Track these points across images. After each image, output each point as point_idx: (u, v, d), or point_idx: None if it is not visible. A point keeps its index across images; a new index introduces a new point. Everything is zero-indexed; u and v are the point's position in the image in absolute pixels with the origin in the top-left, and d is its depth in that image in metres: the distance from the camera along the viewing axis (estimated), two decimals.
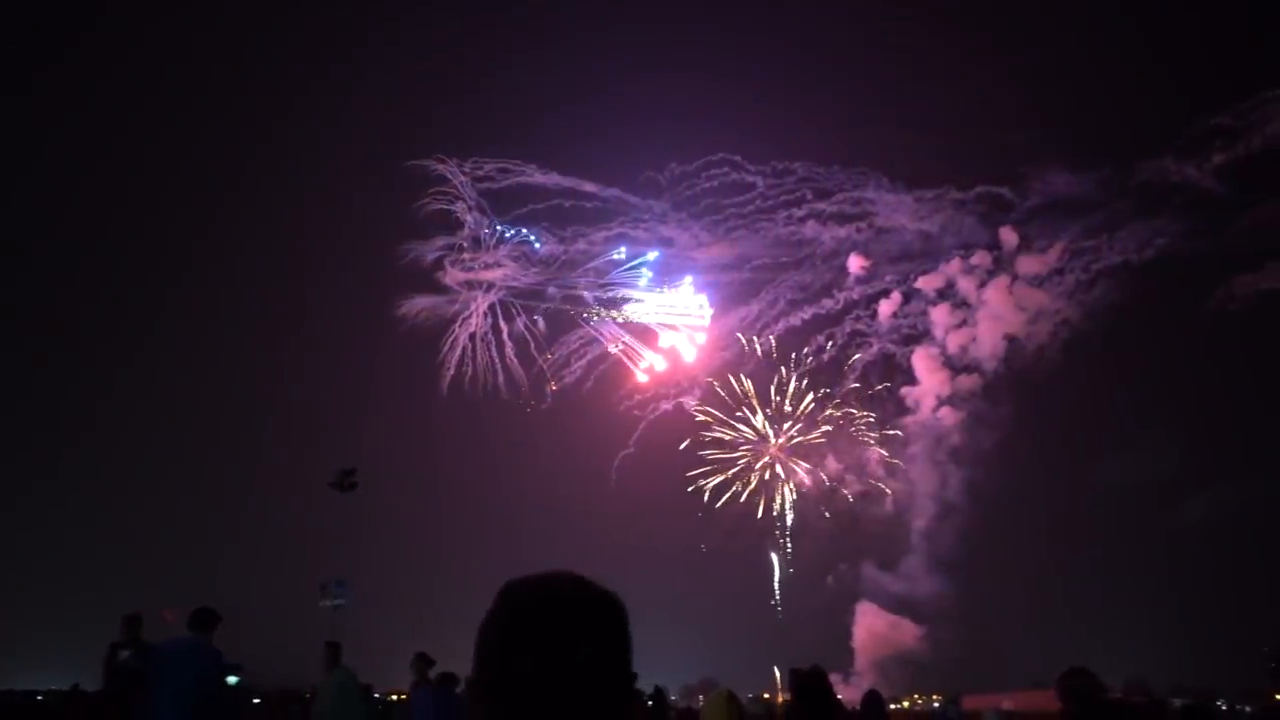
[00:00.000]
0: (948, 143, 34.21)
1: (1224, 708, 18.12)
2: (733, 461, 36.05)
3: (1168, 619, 30.11)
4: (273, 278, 42.60)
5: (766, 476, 35.95)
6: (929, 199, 33.81)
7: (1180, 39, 30.57)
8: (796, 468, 35.79)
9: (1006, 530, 34.90)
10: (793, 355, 35.36)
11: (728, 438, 36.01)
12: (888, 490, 35.11)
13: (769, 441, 36.09)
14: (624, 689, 1.40)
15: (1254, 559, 29.81)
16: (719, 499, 36.25)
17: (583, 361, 35.98)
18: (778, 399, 35.78)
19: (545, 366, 35.71)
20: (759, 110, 39.22)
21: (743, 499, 35.89)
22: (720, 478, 36.25)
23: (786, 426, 35.84)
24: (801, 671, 6.84)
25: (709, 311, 35.73)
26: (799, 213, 34.58)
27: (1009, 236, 33.57)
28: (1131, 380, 33.51)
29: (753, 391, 35.81)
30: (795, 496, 35.78)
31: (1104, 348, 33.17)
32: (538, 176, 35.17)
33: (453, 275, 35.67)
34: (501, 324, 35.84)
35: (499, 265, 35.94)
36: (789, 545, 36.19)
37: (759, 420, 35.90)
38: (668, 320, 36.03)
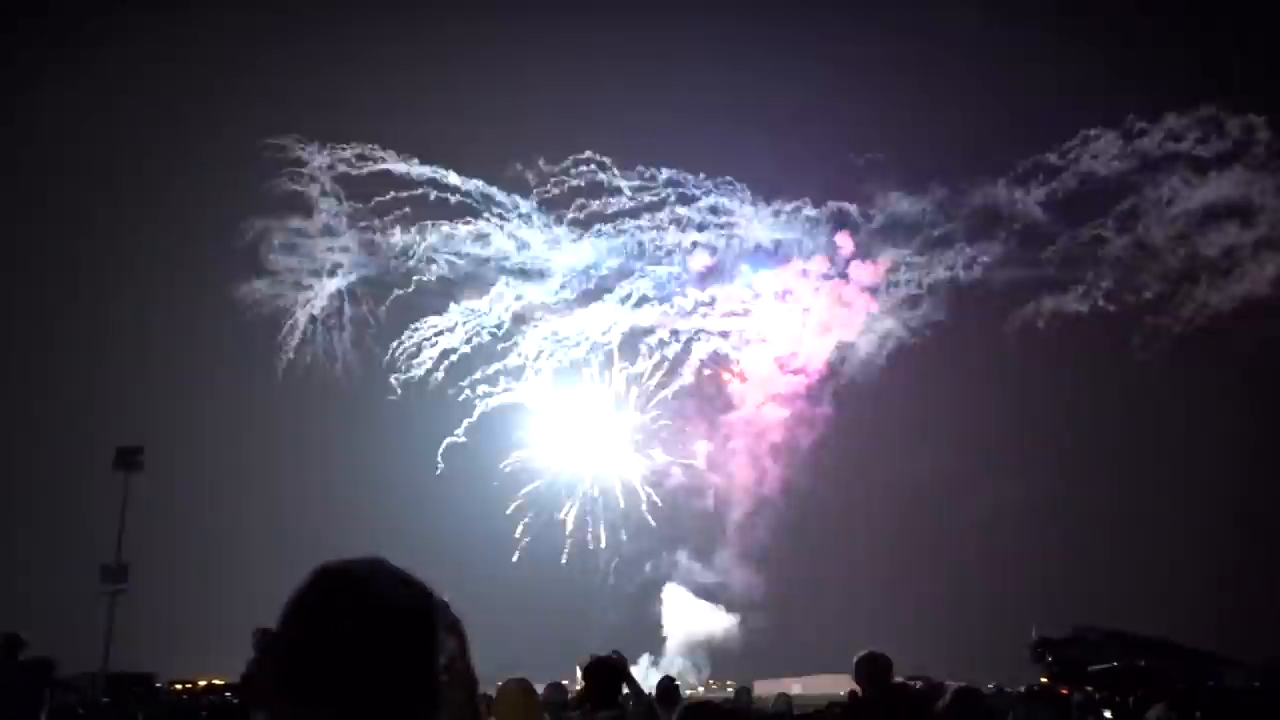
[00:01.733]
0: (806, 159, 36.34)
1: (993, 689, 19.55)
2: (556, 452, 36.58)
3: (947, 608, 32.49)
4: (100, 251, 39.00)
5: (592, 467, 36.64)
6: (786, 211, 34.95)
7: (1022, 75, 33.06)
8: (625, 459, 36.42)
9: (814, 525, 36.43)
10: (639, 348, 36.00)
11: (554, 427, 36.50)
12: (710, 484, 36.01)
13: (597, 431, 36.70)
14: (424, 681, 1.34)
15: (1026, 553, 32.41)
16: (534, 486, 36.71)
17: (434, 350, 35.79)
18: (613, 391, 36.32)
19: (392, 355, 35.17)
20: (631, 113, 39.55)
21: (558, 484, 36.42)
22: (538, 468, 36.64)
23: (617, 417, 36.41)
24: (590, 660, 6.77)
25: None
26: (661, 216, 35.12)
27: (844, 243, 34.87)
28: (940, 388, 35.51)
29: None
30: (620, 486, 36.36)
31: (922, 356, 34.65)
32: (398, 165, 34.64)
33: (296, 259, 34.84)
34: (347, 310, 35.45)
35: (347, 250, 35.29)
36: (606, 535, 36.54)
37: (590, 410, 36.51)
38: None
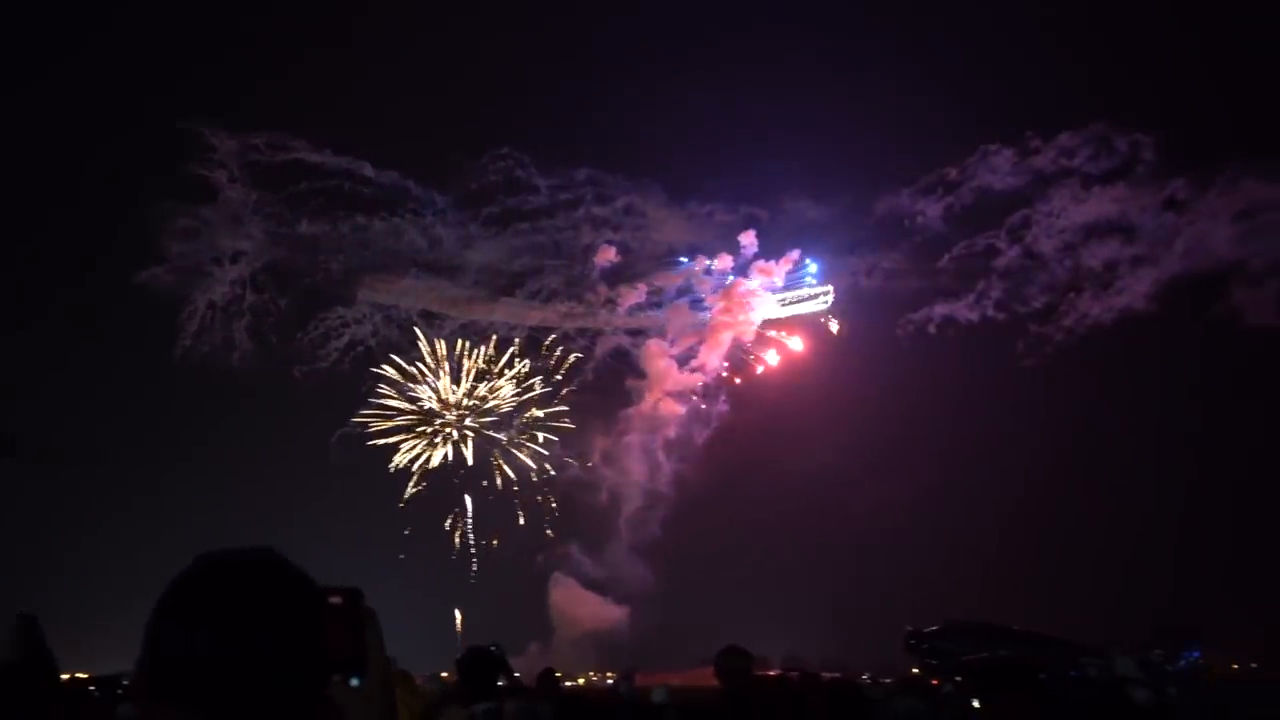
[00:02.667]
0: (723, 163, 36.43)
1: (868, 680, 20.15)
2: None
3: (830, 602, 33.37)
4: None
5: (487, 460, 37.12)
6: (701, 214, 35.75)
7: (930, 92, 33.79)
8: (522, 452, 37.16)
9: (705, 521, 36.85)
10: (544, 345, 36.86)
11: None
12: (604, 479, 37.13)
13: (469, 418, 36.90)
14: (306, 673, 1.33)
15: (907, 549, 33.49)
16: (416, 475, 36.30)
17: (341, 341, 35.84)
18: (512, 384, 37.09)
19: (296, 345, 35.32)
20: (553, 111, 39.47)
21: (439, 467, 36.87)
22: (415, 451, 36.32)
23: (517, 412, 37.17)
24: (469, 650, 6.67)
25: None
26: (577, 215, 35.67)
27: (749, 242, 35.68)
28: (834, 390, 36.09)
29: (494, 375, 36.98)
30: (515, 480, 37.16)
31: (819, 357, 35.99)
32: (311, 155, 34.36)
33: (199, 246, 34.37)
34: (250, 298, 35.09)
35: (252, 239, 34.83)
36: (499, 529, 37.26)
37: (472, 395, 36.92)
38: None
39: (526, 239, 35.91)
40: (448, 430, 37.12)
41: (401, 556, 35.91)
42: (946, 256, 33.97)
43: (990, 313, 33.45)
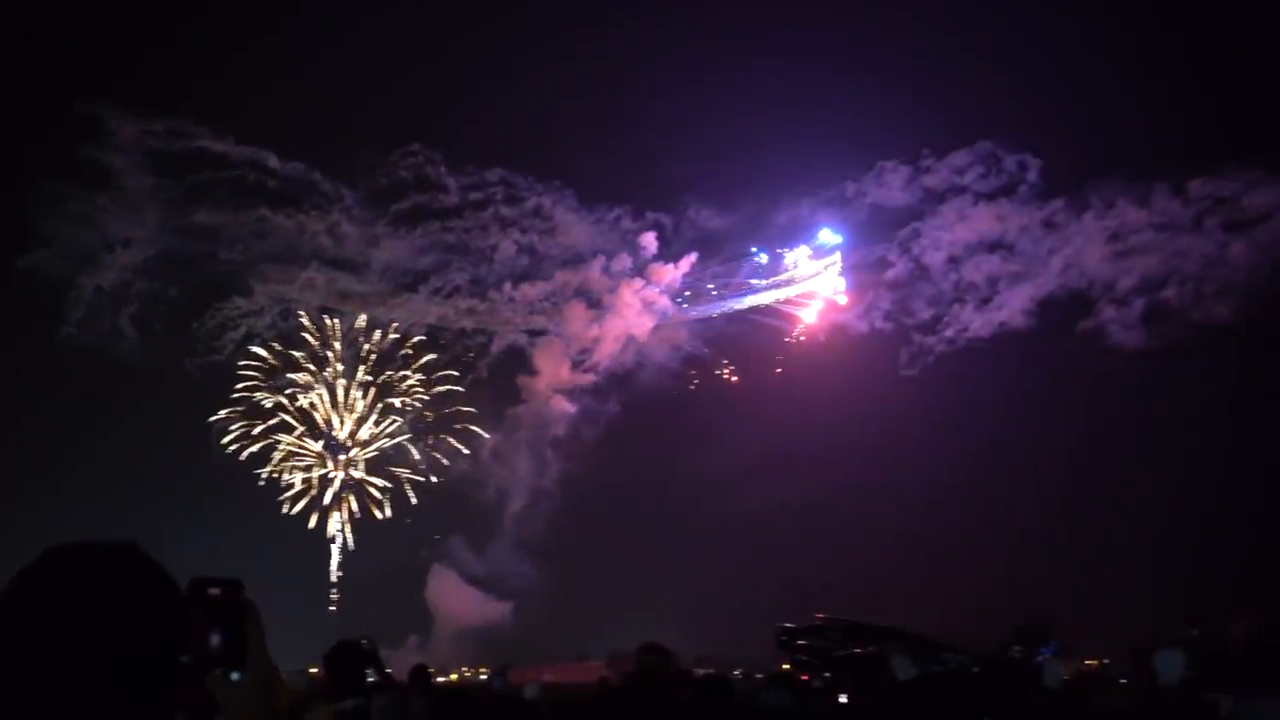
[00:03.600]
0: (633, 168, 36.59)
1: (740, 675, 20.59)
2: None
3: (707, 600, 33.97)
4: None
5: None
6: (608, 219, 36.03)
7: (833, 107, 34.81)
8: (413, 447, 37.02)
9: (590, 519, 37.38)
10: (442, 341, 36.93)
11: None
12: (491, 474, 37.31)
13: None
14: (156, 667, 1.28)
15: (782, 549, 34.21)
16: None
17: (238, 333, 35.45)
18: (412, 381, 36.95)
19: (191, 336, 34.72)
20: (468, 110, 38.63)
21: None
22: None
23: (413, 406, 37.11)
24: (337, 644, 6.56)
25: None
26: (486, 215, 35.72)
27: (649, 244, 36.09)
28: (723, 393, 36.74)
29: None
30: (401, 474, 36.86)
31: (712, 361, 36.56)
32: (214, 143, 33.68)
33: (91, 231, 33.40)
34: (139, 286, 34.25)
35: (145, 226, 33.98)
36: (384, 522, 36.81)
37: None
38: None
39: (433, 237, 35.89)
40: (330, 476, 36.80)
41: (278, 549, 35.27)
42: (839, 262, 35.11)
43: (879, 324, 34.73)
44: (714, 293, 36.40)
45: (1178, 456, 32.33)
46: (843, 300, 35.41)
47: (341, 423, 37.14)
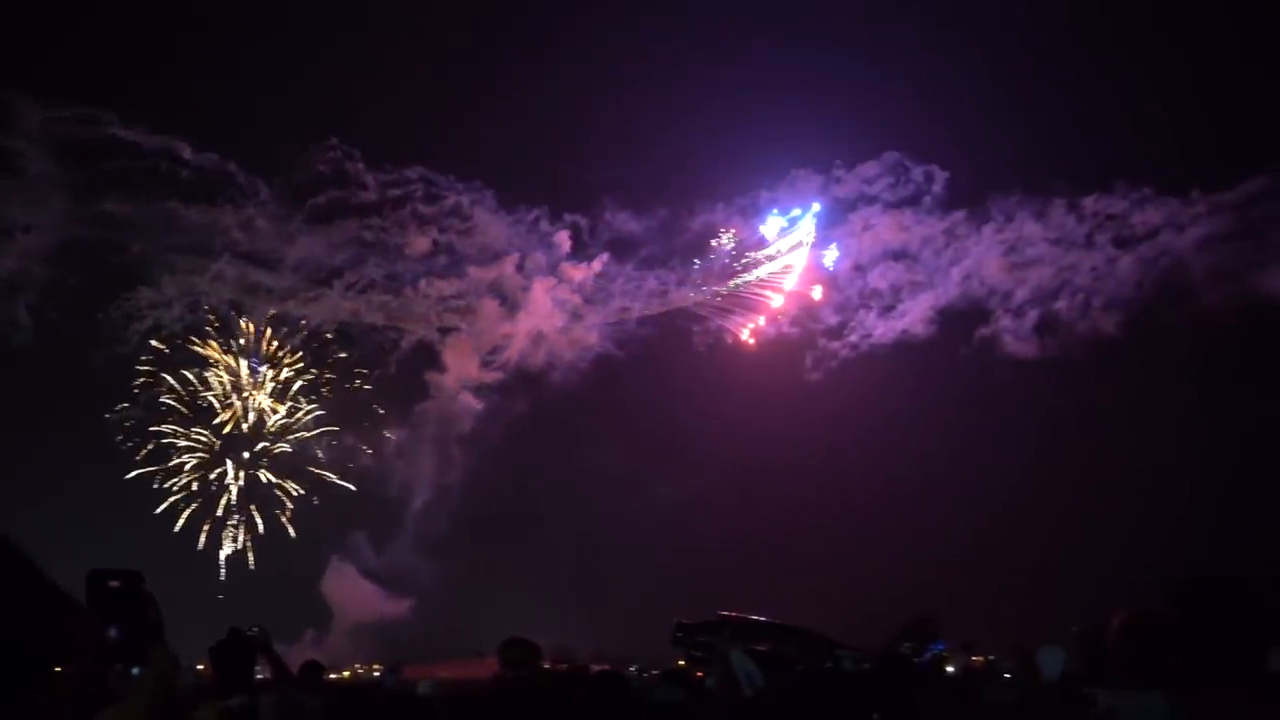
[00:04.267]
0: (549, 172, 36.34)
1: (635, 671, 20.73)
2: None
3: (608, 595, 34.15)
4: None
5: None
6: (528, 220, 36.17)
7: (751, 116, 35.42)
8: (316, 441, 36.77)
9: (491, 516, 37.42)
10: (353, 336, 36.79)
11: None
12: (394, 470, 37.21)
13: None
14: (25, 662, 1.26)
15: (683, 547, 34.94)
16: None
17: (143, 325, 34.81)
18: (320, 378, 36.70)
19: (95, 326, 33.84)
20: (387, 106, 37.34)
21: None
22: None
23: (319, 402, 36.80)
24: (223, 638, 6.37)
25: None
26: (404, 213, 35.58)
27: (563, 242, 36.31)
28: (632, 391, 37.26)
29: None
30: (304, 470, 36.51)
31: (624, 362, 36.85)
32: (125, 132, 32.94)
33: None
34: (37, 273, 33.32)
35: (46, 213, 33.04)
36: (286, 518, 36.32)
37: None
38: None
39: (349, 233, 35.67)
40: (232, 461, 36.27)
41: (173, 539, 34.39)
42: (749, 267, 35.72)
43: (786, 328, 35.66)
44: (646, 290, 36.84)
45: (1065, 460, 33.69)
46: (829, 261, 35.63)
47: (243, 418, 36.59)
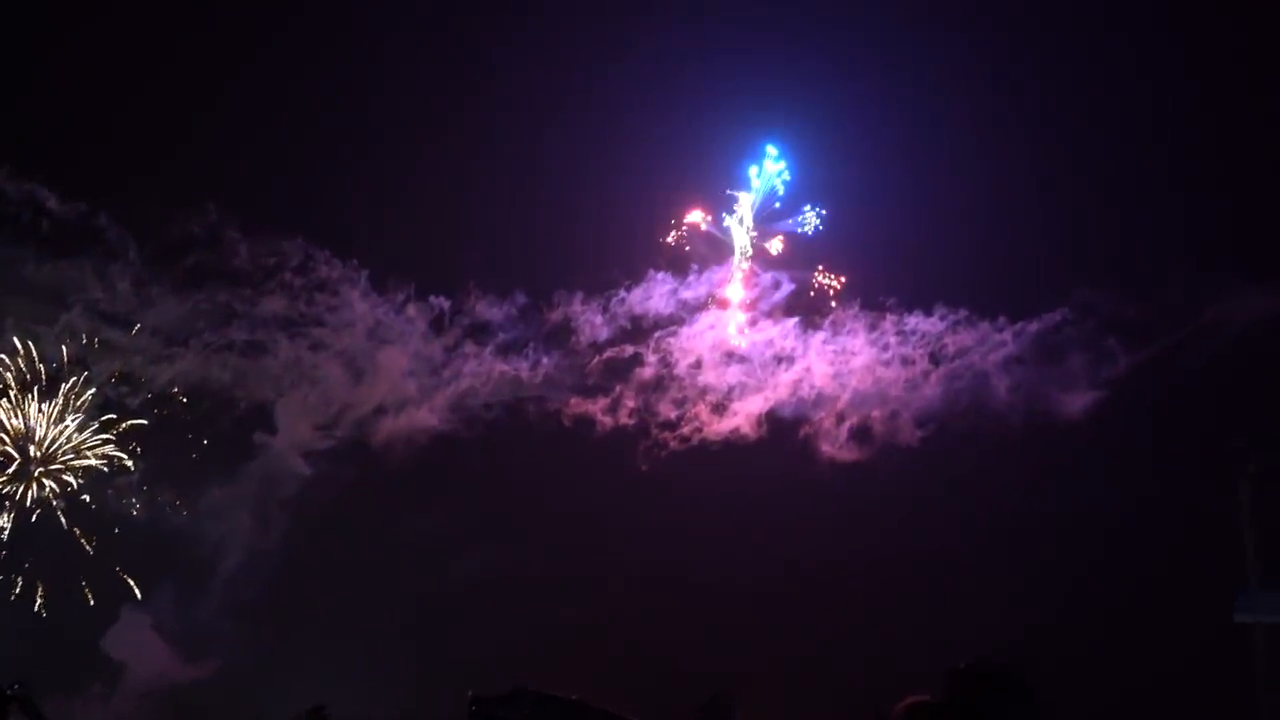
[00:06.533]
0: (419, 252, 36.78)
1: None
2: None
3: (415, 663, 33.86)
4: None
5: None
6: (395, 299, 36.35)
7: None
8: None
9: (305, 582, 36.66)
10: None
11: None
12: (208, 529, 36.49)
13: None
14: None
15: (499, 621, 35.28)
16: None
17: None
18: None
19: None
20: (265, 174, 37.17)
21: None
22: None
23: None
24: None
25: None
26: (270, 283, 35.57)
27: (421, 320, 36.70)
28: (462, 465, 37.41)
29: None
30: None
31: (464, 438, 36.86)
32: None
33: None
34: None
35: None
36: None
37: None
38: None
39: (212, 299, 35.62)
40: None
41: None
42: (597, 359, 37.03)
43: (624, 419, 36.70)
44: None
45: (874, 558, 35.48)
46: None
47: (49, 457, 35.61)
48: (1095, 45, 35.60)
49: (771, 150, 37.00)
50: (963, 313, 34.99)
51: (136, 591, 36.11)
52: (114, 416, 36.65)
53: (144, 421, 37.00)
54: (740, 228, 37.11)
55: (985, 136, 35.02)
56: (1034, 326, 34.15)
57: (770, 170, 37.04)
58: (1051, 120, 35.81)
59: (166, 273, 35.06)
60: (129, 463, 36.91)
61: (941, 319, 35.11)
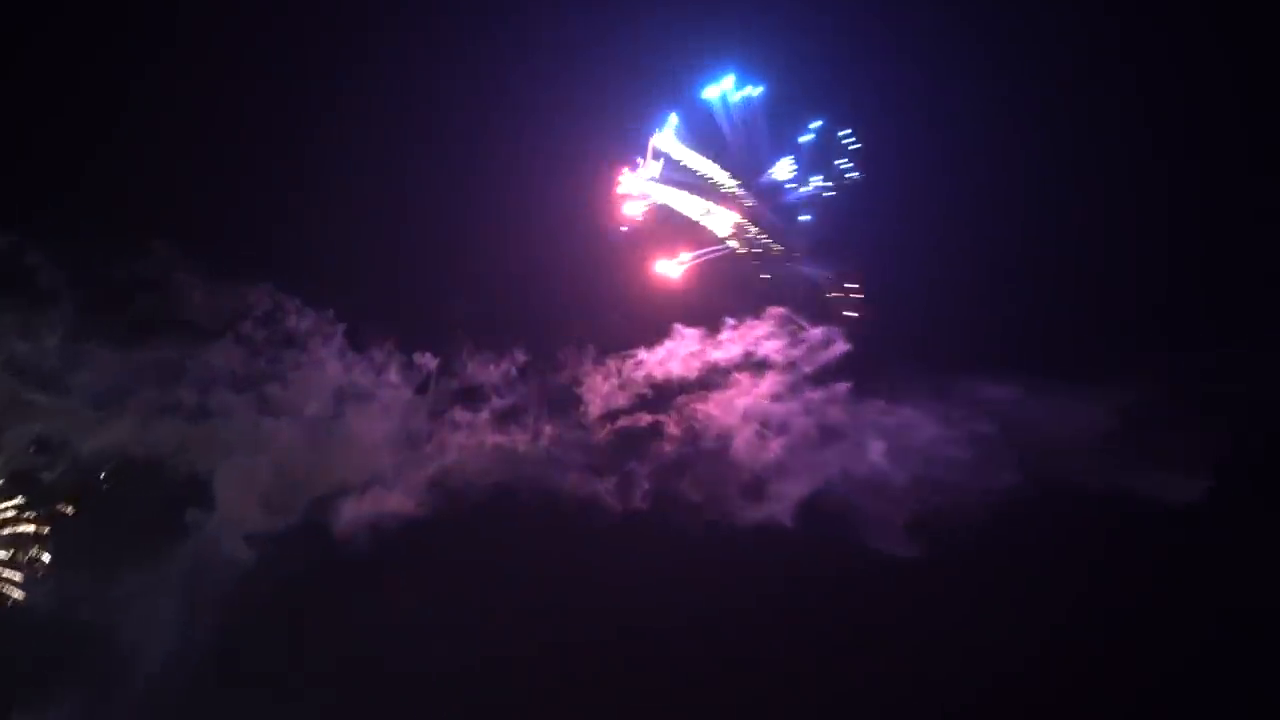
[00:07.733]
0: (400, 310, 34.36)
1: None
2: None
3: None
4: None
5: None
6: (378, 360, 34.00)
7: None
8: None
9: (238, 678, 32.22)
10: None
11: None
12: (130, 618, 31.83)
13: None
14: None
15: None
16: None
17: None
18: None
19: None
20: (245, 218, 34.60)
21: None
22: None
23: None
24: None
25: None
26: (228, 335, 33.24)
27: (404, 381, 33.91)
28: (452, 538, 33.33)
29: None
30: None
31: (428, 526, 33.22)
32: None
33: None
34: None
35: None
36: None
37: None
38: None
39: (159, 352, 32.86)
40: None
41: None
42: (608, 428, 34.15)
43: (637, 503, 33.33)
44: None
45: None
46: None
47: None
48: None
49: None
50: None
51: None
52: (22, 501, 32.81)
53: (59, 499, 32.92)
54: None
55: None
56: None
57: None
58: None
59: (105, 324, 32.01)
60: (35, 550, 32.72)
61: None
